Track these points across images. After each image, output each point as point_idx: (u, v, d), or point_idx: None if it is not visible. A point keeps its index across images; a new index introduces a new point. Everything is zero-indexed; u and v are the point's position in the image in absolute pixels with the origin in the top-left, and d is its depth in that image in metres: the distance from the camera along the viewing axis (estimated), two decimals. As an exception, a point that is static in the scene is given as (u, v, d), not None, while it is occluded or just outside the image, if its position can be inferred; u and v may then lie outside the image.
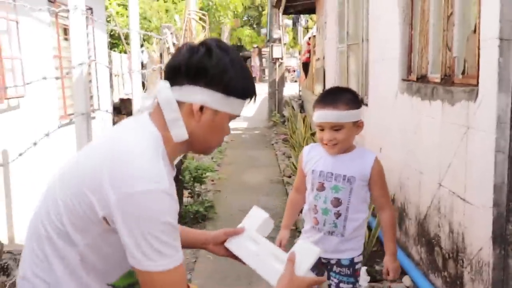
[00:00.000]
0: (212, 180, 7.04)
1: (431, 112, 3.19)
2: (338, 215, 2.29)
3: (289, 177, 7.02)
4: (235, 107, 1.46)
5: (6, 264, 2.82)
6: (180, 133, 1.41)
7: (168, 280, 1.31)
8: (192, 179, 5.72)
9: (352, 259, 2.33)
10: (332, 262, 2.35)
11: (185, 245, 1.77)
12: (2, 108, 5.41)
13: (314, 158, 2.37)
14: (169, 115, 1.40)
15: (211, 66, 1.39)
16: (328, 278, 2.39)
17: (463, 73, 2.90)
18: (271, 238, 1.85)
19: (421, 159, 3.41)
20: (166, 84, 1.41)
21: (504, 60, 2.33)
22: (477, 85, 2.56)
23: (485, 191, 2.49)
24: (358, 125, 2.25)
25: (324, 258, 2.36)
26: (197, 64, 1.39)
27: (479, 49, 2.53)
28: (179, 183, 5.04)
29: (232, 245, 1.79)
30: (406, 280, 3.47)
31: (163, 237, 1.28)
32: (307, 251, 1.63)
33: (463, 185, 2.73)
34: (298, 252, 1.61)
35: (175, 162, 1.56)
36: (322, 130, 2.25)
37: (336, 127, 2.20)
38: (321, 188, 2.32)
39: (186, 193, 5.79)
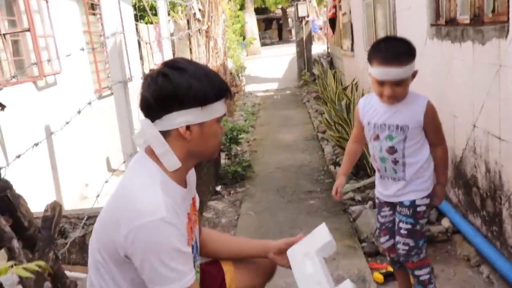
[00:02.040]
0: (248, 142, 7.15)
1: (461, 54, 3.17)
2: (395, 162, 2.35)
3: (323, 132, 7.02)
4: (217, 110, 1.53)
5: (63, 228, 3.01)
6: (171, 163, 1.51)
7: None
8: (228, 140, 5.81)
9: (414, 200, 2.37)
10: (395, 204, 2.46)
11: (243, 256, 1.95)
12: (41, 85, 5.61)
13: (370, 110, 2.41)
14: (158, 150, 1.50)
15: (174, 89, 1.45)
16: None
17: (493, 11, 2.87)
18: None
19: (454, 102, 3.41)
20: (147, 122, 1.49)
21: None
22: (507, 21, 2.53)
23: (520, 127, 2.51)
24: (413, 75, 2.25)
25: (390, 202, 2.49)
26: (162, 94, 1.45)
27: (508, -16, 2.51)
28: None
29: (293, 256, 1.84)
30: (445, 222, 3.53)
31: (169, 263, 1.40)
32: None
33: (498, 123, 2.75)
34: None
35: None
36: (381, 84, 2.22)
37: (398, 82, 2.19)
38: (377, 138, 2.39)
39: (223, 155, 5.90)
